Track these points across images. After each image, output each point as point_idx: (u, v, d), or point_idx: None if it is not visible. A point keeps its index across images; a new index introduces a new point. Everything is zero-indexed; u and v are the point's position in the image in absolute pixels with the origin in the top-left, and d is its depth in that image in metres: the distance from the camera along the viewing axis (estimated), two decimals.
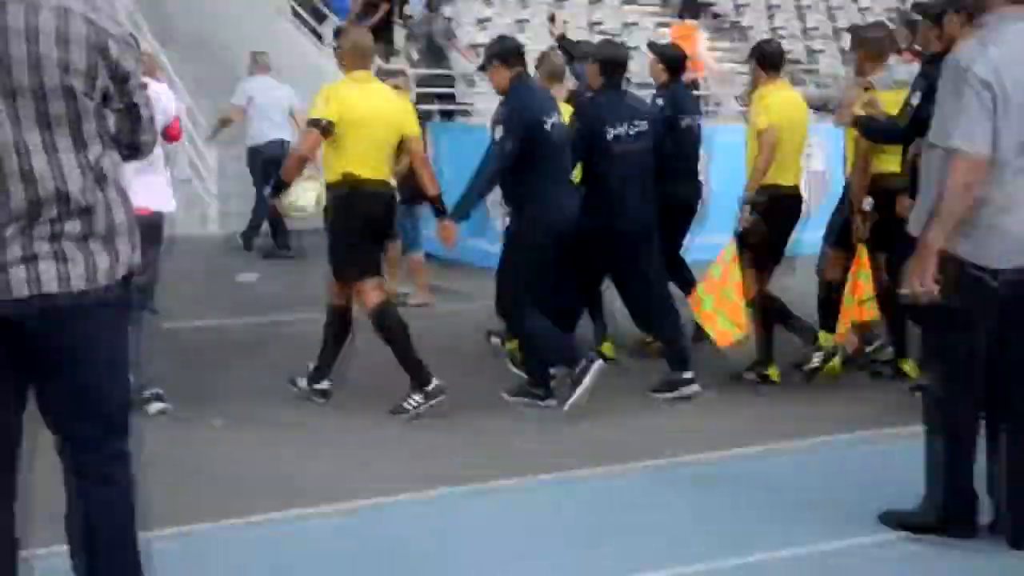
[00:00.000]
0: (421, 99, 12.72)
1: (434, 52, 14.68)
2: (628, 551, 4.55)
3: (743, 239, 7.23)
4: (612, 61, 7.29)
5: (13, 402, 3.43)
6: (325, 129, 6.43)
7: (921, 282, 4.28)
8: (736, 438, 6.06)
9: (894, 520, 4.71)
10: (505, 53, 6.85)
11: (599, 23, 17.91)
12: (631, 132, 7.06)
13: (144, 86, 3.51)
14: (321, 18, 15.67)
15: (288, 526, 4.85)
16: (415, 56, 14.57)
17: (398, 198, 7.13)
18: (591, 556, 4.52)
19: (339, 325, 6.78)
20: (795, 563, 4.50)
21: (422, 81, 14.12)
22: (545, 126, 6.62)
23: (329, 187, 6.64)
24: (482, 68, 7.39)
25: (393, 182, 7.01)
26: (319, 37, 15.48)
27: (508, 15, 17.66)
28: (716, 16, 19.92)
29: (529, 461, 5.69)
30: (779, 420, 6.49)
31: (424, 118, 9.91)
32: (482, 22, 17.23)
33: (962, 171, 4.20)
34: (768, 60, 7.51)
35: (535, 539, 4.74)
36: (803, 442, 6.01)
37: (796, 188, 7.50)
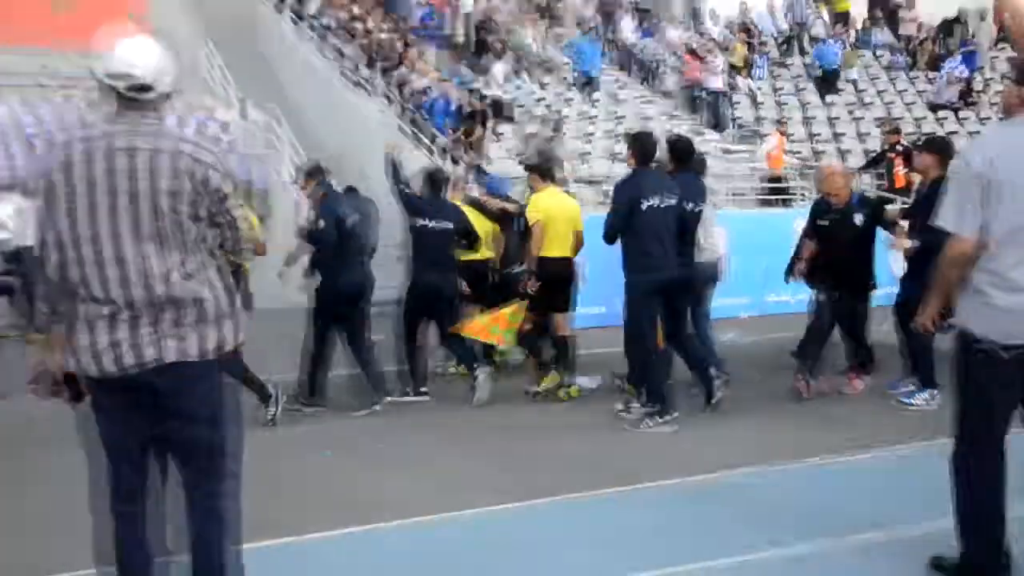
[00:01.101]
0: None
1: None
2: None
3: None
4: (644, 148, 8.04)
5: (146, 443, 3.81)
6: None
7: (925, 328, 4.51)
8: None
9: (942, 565, 4.56)
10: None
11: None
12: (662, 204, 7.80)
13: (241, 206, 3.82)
14: (427, 134, 17.08)
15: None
16: None
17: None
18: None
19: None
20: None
21: None
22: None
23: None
24: None
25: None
26: (431, 152, 16.80)
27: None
28: (740, 126, 21.62)
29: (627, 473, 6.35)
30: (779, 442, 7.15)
31: None
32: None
33: (951, 249, 4.24)
34: (538, 169, 8.74)
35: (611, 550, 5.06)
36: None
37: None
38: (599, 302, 11.55)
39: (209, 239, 3.74)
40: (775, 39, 25.84)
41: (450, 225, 9.05)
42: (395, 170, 9.08)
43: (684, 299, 8.33)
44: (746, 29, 24.81)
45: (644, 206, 7.74)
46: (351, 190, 10.16)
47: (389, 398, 8.65)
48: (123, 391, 3.72)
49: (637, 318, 7.94)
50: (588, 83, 21.10)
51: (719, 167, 18.64)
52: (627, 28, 24.22)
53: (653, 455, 7.11)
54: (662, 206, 7.83)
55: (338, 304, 8.49)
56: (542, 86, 20.55)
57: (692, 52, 22.10)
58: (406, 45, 20.25)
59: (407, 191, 9.11)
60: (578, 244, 9.00)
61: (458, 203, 9.70)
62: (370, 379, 8.65)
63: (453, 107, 17.53)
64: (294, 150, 17.38)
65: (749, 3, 25.85)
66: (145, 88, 3.70)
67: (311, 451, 7.37)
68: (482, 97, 18.45)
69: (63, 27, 18.48)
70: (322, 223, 8.40)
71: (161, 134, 3.67)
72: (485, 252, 9.75)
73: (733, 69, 22.95)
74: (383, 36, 20.08)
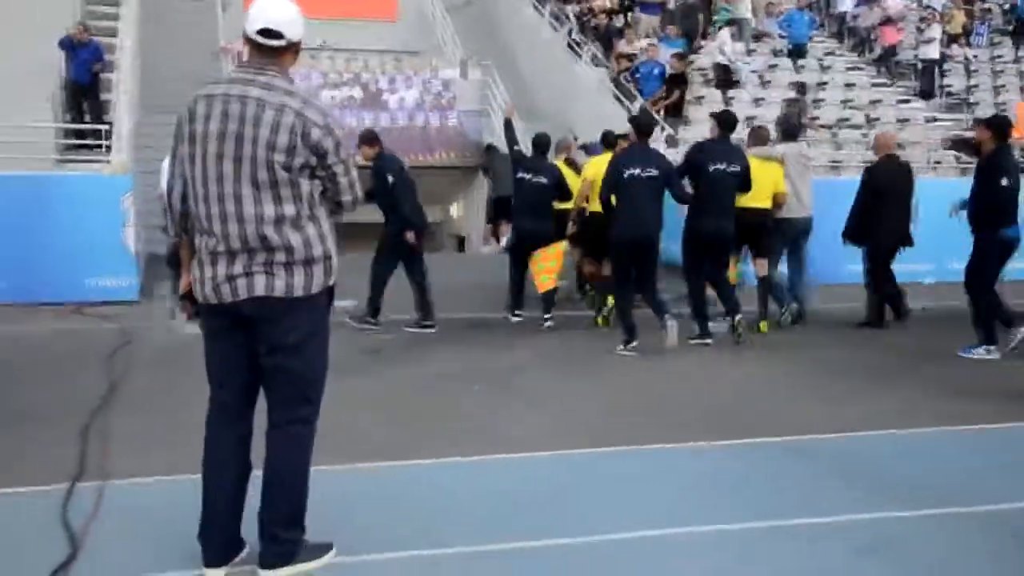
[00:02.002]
0: None
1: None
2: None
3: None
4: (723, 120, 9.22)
5: (248, 367, 3.86)
6: None
7: None
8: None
9: None
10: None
11: (850, 100, 18.77)
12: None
13: (345, 162, 3.78)
14: (631, 98, 16.99)
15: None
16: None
17: None
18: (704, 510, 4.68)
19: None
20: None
21: None
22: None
23: None
24: None
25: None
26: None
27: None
28: (949, 95, 20.60)
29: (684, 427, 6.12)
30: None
31: None
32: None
33: None
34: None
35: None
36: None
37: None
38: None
39: (307, 190, 3.73)
40: (1001, 6, 24.01)
41: (545, 180, 9.90)
42: (508, 130, 10.33)
43: (646, 258, 8.76)
44: None
45: (626, 175, 8.55)
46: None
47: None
48: (225, 317, 3.82)
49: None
50: (797, 51, 20.28)
51: (919, 135, 17.69)
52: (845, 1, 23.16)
53: (769, 411, 6.79)
54: (644, 175, 8.54)
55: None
56: (749, 52, 19.84)
57: (887, 20, 20.87)
58: (623, 11, 20.04)
59: (516, 148, 10.23)
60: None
61: (559, 163, 10.46)
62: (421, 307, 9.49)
63: (658, 72, 17.19)
64: (502, 101, 17.60)
65: None
66: (274, 34, 3.74)
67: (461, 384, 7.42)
68: (689, 61, 18.02)
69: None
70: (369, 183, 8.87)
71: (273, 87, 3.69)
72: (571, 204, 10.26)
73: (950, 37, 21.51)
74: (598, 2, 19.93)
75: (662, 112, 16.29)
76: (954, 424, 6.36)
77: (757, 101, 17.90)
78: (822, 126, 17.64)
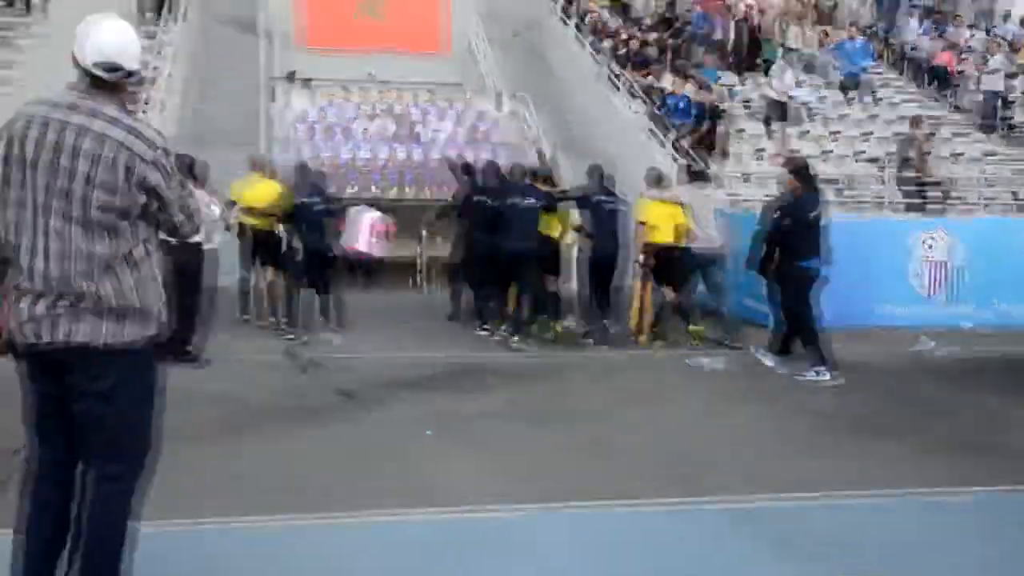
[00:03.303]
0: None
1: None
2: None
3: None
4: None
5: (66, 416, 3.61)
6: None
7: None
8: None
9: None
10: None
11: (901, 134, 17.93)
12: None
13: (182, 185, 3.62)
14: (666, 131, 16.75)
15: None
16: None
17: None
18: None
19: None
20: None
21: None
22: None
23: None
24: None
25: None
26: (675, 148, 16.40)
27: None
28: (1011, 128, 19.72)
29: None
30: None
31: None
32: None
33: None
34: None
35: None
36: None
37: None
38: None
39: (128, 232, 3.51)
40: None
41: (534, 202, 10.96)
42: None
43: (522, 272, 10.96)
44: None
45: (509, 202, 10.81)
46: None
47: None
48: (36, 360, 3.59)
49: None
50: (851, 82, 19.65)
51: (974, 171, 16.89)
52: (910, 29, 22.43)
53: (736, 467, 6.26)
54: (521, 206, 10.74)
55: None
56: (798, 84, 19.26)
57: (951, 47, 20.34)
58: (668, 50, 19.75)
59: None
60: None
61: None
62: None
63: (683, 105, 16.91)
64: (544, 137, 17.65)
65: None
66: (110, 67, 3.52)
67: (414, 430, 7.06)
68: (715, 96, 17.62)
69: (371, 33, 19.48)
70: None
71: (97, 114, 3.47)
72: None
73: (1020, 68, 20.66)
74: (640, 36, 19.63)
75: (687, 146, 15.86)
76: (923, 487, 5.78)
77: (831, 135, 17.63)
78: (869, 160, 16.94)
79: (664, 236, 10.72)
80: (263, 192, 11.41)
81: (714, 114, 16.46)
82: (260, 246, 11.48)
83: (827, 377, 8.84)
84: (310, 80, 18.74)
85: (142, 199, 3.48)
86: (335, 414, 7.50)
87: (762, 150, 17.18)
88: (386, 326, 11.57)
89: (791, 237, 9.14)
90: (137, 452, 3.66)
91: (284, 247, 11.29)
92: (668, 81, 18.04)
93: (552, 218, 11.10)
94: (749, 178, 16.51)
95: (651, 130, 16.90)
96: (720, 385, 8.88)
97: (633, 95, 18.14)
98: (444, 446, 6.62)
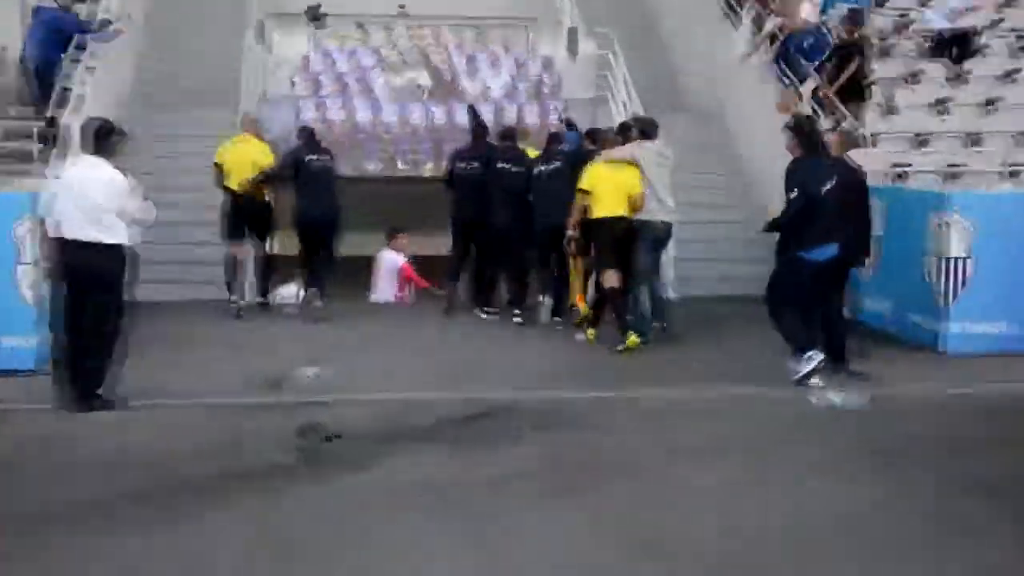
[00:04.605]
0: None
1: None
2: None
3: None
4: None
5: None
6: None
7: None
8: None
9: None
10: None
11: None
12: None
13: None
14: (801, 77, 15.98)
15: None
16: None
17: None
18: None
19: None
20: None
21: None
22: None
23: None
24: None
25: None
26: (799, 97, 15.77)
27: None
28: None
29: None
30: None
31: None
32: None
33: None
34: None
35: None
36: None
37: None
38: None
39: None
40: None
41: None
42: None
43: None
44: None
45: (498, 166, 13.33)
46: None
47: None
48: None
49: None
50: None
51: None
52: None
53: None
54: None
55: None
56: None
57: None
58: None
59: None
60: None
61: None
62: None
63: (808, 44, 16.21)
64: (627, 90, 17.39)
65: None
66: None
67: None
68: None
69: None
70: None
71: None
72: None
73: None
74: None
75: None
76: None
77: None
78: None
79: (607, 208, 11.70)
80: (252, 154, 13.41)
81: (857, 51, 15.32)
82: (248, 217, 13.44)
83: (819, 357, 9.64)
84: (324, 16, 18.53)
85: None
86: (290, 480, 7.28)
87: (944, 101, 16.30)
88: (379, 340, 12.32)
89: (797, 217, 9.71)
90: None
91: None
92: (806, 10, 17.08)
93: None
94: (927, 140, 15.82)
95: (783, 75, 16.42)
96: (838, 434, 8.49)
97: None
98: (434, 531, 6.32)
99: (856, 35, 15.56)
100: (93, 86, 14.25)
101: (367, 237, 15.61)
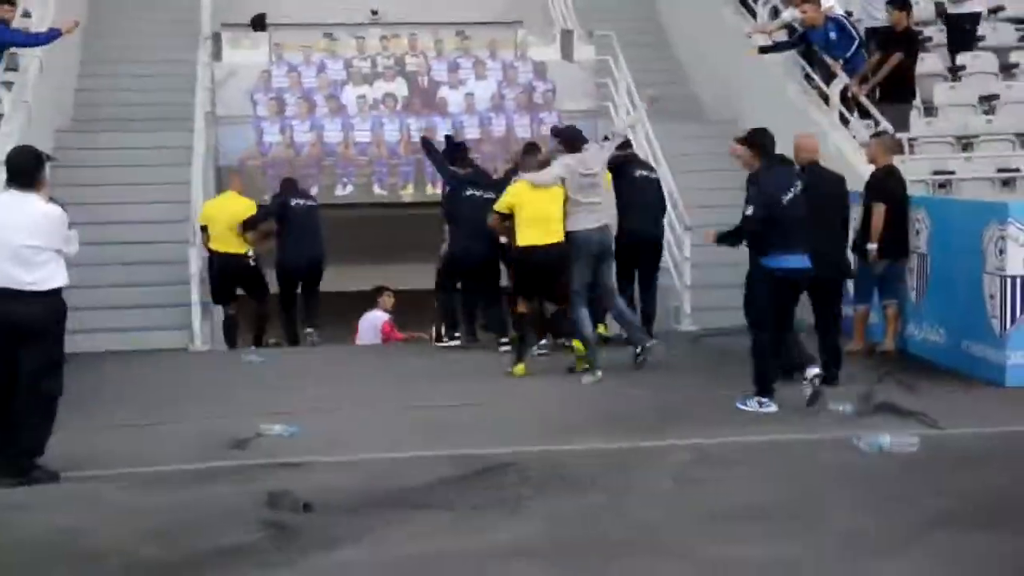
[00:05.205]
0: None
1: None
2: None
3: None
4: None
5: None
6: None
7: None
8: None
9: None
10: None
11: None
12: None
13: None
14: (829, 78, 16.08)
15: None
16: None
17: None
18: None
19: None
20: None
21: None
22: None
23: None
24: None
25: None
26: (825, 99, 16.12)
27: None
28: None
29: None
30: None
31: None
32: None
33: None
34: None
35: None
36: None
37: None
38: None
39: None
40: None
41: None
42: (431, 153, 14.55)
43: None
44: None
45: (466, 194, 13.71)
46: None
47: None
48: None
49: None
50: None
51: None
52: None
53: None
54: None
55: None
56: None
57: None
58: None
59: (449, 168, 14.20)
60: None
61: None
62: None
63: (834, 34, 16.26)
64: (628, 96, 17.74)
65: None
66: None
67: None
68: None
69: None
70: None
71: None
72: None
73: None
74: None
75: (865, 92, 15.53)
76: None
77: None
78: None
79: (537, 237, 12.14)
80: (240, 213, 14.49)
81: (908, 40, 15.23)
82: (233, 277, 14.60)
83: (771, 408, 10.37)
84: (264, 23, 19.07)
85: None
86: (259, 564, 7.05)
87: (992, 98, 16.33)
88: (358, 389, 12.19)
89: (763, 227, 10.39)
90: None
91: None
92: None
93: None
94: (971, 144, 15.82)
95: (807, 76, 16.68)
96: (889, 487, 8.29)
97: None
98: None
99: (905, 25, 15.42)
100: (21, 109, 14.27)
101: (340, 270, 15.84)
